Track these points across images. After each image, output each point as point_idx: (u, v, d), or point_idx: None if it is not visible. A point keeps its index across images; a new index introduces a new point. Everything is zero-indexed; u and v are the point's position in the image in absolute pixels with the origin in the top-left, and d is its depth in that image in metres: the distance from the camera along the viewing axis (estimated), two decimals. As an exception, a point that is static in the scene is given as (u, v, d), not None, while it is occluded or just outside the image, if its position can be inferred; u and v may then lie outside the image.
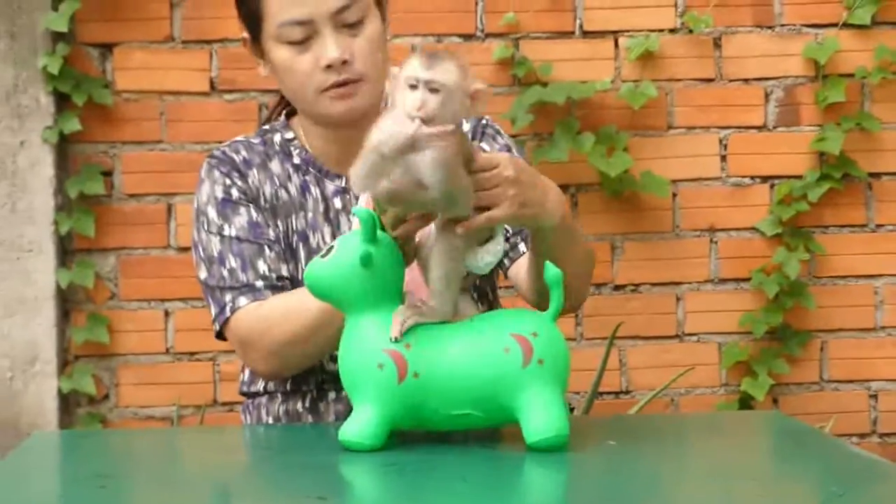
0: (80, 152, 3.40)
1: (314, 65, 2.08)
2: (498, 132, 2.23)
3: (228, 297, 2.11)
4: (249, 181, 2.16)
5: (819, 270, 3.51)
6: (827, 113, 3.49)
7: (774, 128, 3.51)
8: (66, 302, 3.40)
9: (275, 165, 2.18)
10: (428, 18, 3.44)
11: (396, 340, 1.74)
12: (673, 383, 3.37)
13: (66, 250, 3.40)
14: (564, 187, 3.38)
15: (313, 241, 2.14)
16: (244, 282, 2.10)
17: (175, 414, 3.39)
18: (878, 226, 3.52)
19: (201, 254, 2.15)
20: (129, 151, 3.41)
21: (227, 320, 2.11)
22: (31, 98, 3.35)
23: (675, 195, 3.48)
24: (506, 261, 2.16)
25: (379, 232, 1.77)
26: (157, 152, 3.42)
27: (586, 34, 3.47)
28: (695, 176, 3.49)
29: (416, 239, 1.81)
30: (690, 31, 3.47)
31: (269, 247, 2.12)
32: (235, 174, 2.16)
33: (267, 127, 2.24)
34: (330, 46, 2.07)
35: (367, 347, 1.76)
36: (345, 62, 2.08)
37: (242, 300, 2.10)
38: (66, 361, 3.40)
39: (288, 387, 2.17)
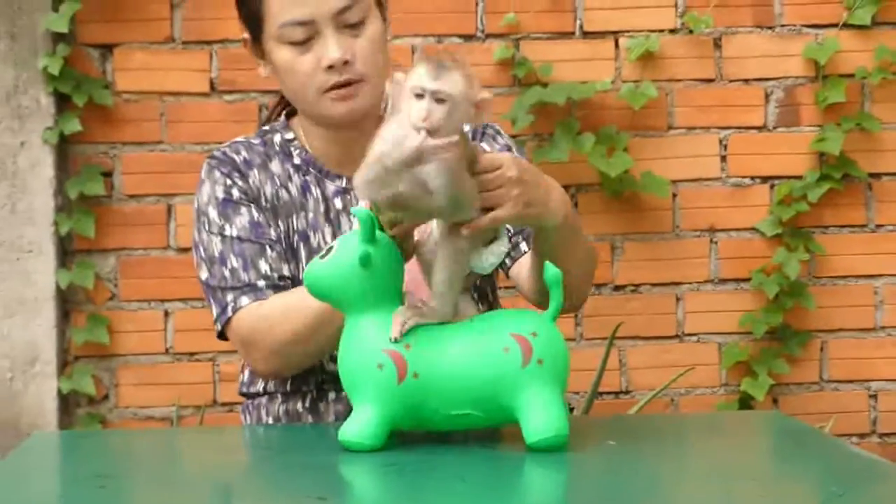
0: (81, 153, 3.40)
1: (315, 65, 2.08)
2: (498, 132, 2.23)
3: (230, 296, 2.11)
4: (250, 181, 2.16)
5: (819, 271, 3.51)
6: (827, 113, 3.49)
7: (774, 128, 3.51)
8: (66, 302, 3.40)
9: (275, 166, 2.18)
10: (428, 19, 3.44)
11: (396, 341, 1.74)
12: (673, 383, 3.37)
13: (66, 251, 3.40)
14: (565, 188, 3.34)
15: (314, 241, 2.14)
16: (246, 281, 2.10)
17: (175, 414, 3.39)
18: (878, 226, 3.52)
19: (202, 254, 2.15)
20: (129, 152, 3.41)
21: (228, 320, 2.10)
22: (32, 99, 3.35)
23: (675, 195, 3.48)
24: (507, 260, 2.16)
25: (378, 232, 1.77)
26: (157, 153, 3.42)
27: (586, 35, 3.47)
28: (695, 176, 3.49)
29: (416, 237, 1.81)
30: (691, 32, 3.47)
31: (270, 247, 2.12)
32: (236, 174, 2.16)
33: (267, 127, 2.24)
34: (331, 47, 2.07)
35: (367, 348, 1.76)
36: (346, 63, 2.08)
37: (244, 300, 2.09)
38: (65, 362, 3.40)
39: (288, 387, 2.17)
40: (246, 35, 2.17)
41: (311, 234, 2.15)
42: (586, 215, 3.44)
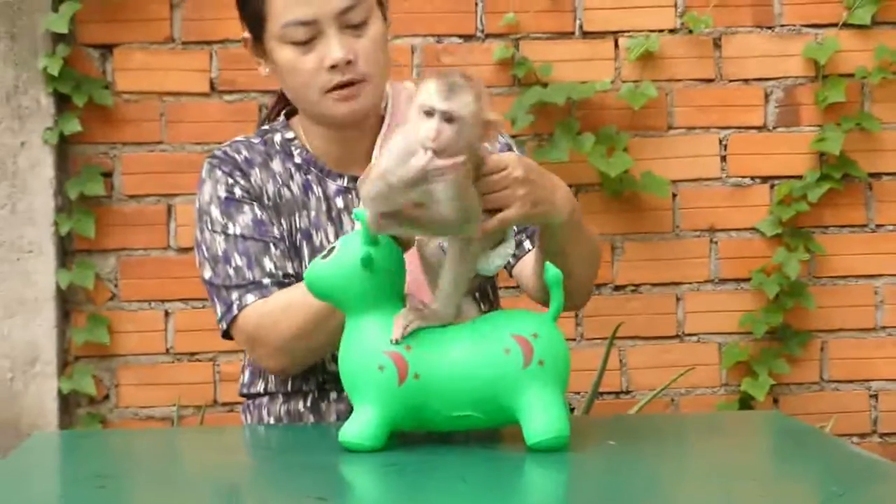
0: (81, 153, 3.40)
1: (318, 65, 2.08)
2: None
3: (235, 295, 2.10)
4: (252, 180, 2.16)
5: (819, 270, 3.51)
6: (827, 113, 3.49)
7: (774, 128, 3.51)
8: (67, 303, 3.40)
9: (276, 165, 2.18)
10: (428, 19, 3.44)
11: (397, 343, 1.74)
12: (673, 383, 3.37)
13: (67, 251, 3.40)
14: (564, 188, 3.37)
15: (317, 240, 2.14)
16: (251, 279, 2.10)
17: (175, 414, 3.39)
18: (879, 226, 3.52)
19: (205, 253, 2.14)
20: (129, 152, 3.41)
21: (234, 318, 2.10)
22: (32, 99, 3.35)
23: (675, 195, 3.48)
24: (511, 259, 2.16)
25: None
26: (157, 153, 3.42)
27: (586, 35, 3.47)
28: (695, 176, 3.49)
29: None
30: (690, 32, 3.47)
31: (274, 244, 2.12)
32: (238, 173, 2.16)
33: (266, 127, 2.24)
34: (334, 47, 2.07)
35: (368, 349, 1.76)
36: (349, 63, 2.08)
37: (250, 297, 2.09)
38: (66, 362, 3.40)
39: (289, 387, 2.17)
40: (247, 34, 2.17)
41: (314, 233, 2.15)
42: (586, 215, 3.39)
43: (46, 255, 3.35)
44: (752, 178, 3.50)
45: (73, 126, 3.34)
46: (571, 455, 1.74)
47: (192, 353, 3.42)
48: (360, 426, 1.75)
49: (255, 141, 2.20)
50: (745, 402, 3.46)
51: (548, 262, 1.79)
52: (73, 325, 3.40)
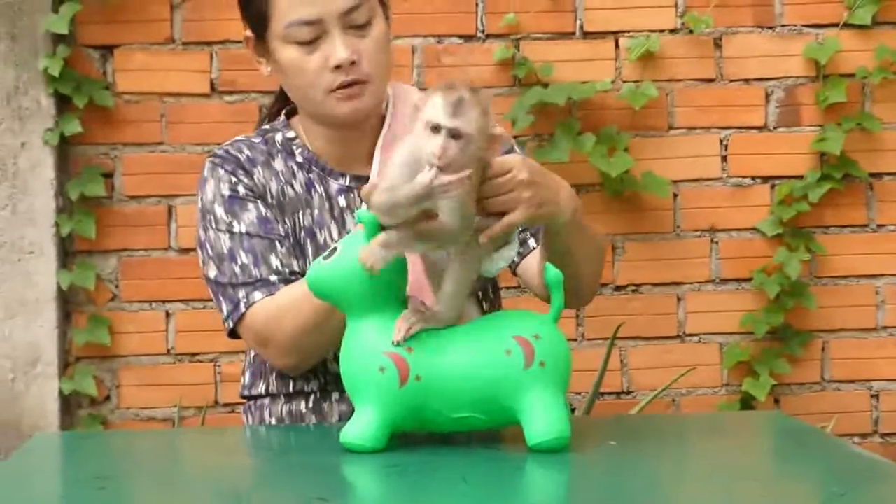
0: (81, 154, 3.40)
1: (322, 65, 2.08)
2: (498, 133, 2.23)
3: (242, 293, 2.09)
4: (255, 178, 2.15)
5: (820, 270, 3.51)
6: (828, 113, 3.49)
7: (775, 128, 3.51)
8: (68, 303, 3.40)
9: (278, 163, 2.18)
10: (428, 19, 3.44)
11: (398, 345, 1.74)
12: (674, 384, 3.37)
13: (67, 252, 3.40)
14: (565, 188, 3.37)
15: (320, 238, 2.14)
16: (258, 277, 2.09)
17: (176, 415, 3.39)
18: (880, 226, 3.52)
19: (209, 252, 2.14)
20: (129, 153, 3.41)
21: (242, 316, 2.09)
22: (32, 100, 3.35)
23: (675, 195, 3.48)
24: (515, 257, 2.16)
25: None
26: (157, 154, 3.42)
27: (587, 35, 3.47)
28: (695, 176, 3.49)
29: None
30: (691, 32, 3.47)
31: (280, 242, 2.12)
32: (241, 171, 2.15)
33: (267, 126, 2.24)
34: (339, 47, 2.07)
35: (369, 351, 1.76)
36: (353, 63, 2.08)
37: (257, 294, 2.08)
38: (67, 363, 3.40)
39: (291, 388, 2.17)
40: (249, 33, 2.16)
41: (318, 231, 2.14)
42: (587, 216, 3.41)
43: (47, 256, 3.35)
44: (753, 178, 3.50)
45: (74, 127, 3.34)
46: (572, 455, 1.74)
47: (193, 354, 3.42)
48: (362, 427, 1.75)
49: (256, 140, 2.20)
50: (747, 403, 3.46)
51: (548, 263, 1.79)
52: (74, 326, 3.40)
